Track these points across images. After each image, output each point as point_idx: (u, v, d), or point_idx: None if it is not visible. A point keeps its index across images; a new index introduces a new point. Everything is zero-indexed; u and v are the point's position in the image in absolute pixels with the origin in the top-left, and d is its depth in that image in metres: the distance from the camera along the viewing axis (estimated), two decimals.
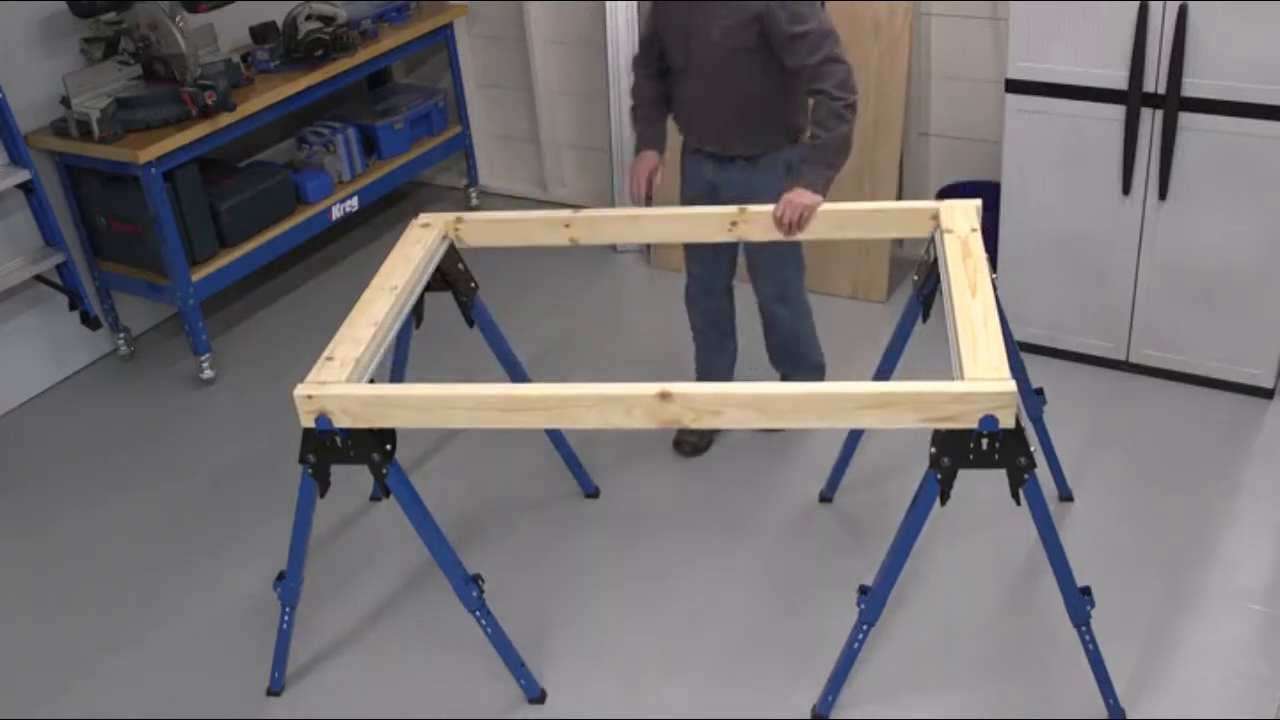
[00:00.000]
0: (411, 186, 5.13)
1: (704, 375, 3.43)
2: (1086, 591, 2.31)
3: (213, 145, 3.78)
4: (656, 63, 3.07)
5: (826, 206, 2.72)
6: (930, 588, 2.81)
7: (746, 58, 2.83)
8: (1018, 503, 2.17)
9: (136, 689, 2.75)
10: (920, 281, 2.65)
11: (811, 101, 2.82)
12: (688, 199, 3.12)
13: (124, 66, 3.80)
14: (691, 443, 3.36)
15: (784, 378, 3.41)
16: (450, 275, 2.79)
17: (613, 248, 4.46)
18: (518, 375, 2.99)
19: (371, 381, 2.36)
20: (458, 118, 4.88)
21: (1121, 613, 2.68)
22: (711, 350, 3.38)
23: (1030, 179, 3.38)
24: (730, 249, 3.17)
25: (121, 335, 4.09)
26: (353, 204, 4.37)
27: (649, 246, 4.37)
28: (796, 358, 3.33)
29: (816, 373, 3.39)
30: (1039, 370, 3.14)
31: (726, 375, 3.43)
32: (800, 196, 2.71)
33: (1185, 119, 3.08)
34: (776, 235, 2.75)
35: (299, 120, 4.46)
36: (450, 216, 2.82)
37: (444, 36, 4.71)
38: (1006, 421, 2.06)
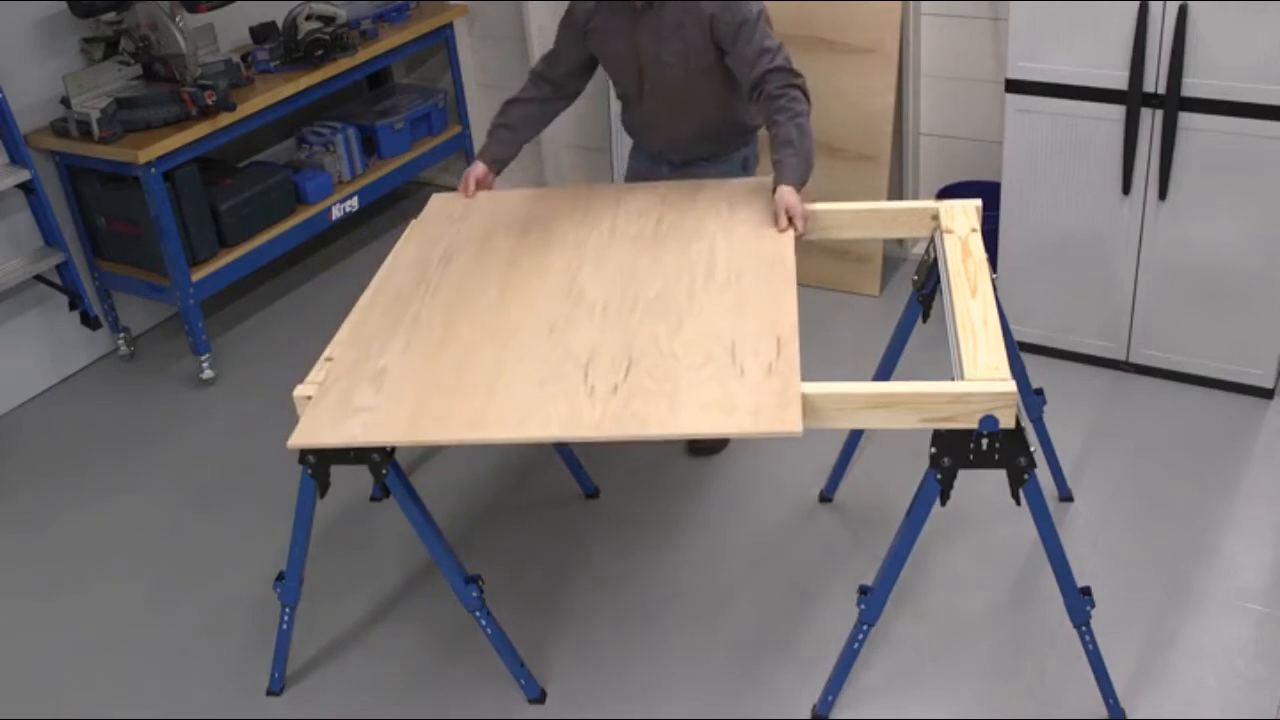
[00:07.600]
0: (411, 186, 5.12)
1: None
2: (1086, 591, 2.31)
3: (213, 145, 3.78)
4: (560, 83, 2.99)
5: (826, 206, 2.70)
6: (930, 588, 2.81)
7: (705, 76, 2.83)
8: (1018, 503, 2.17)
9: (137, 689, 2.75)
10: (920, 281, 2.65)
11: (760, 98, 2.72)
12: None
13: (124, 66, 3.80)
14: (706, 445, 3.36)
15: None
16: None
17: None
18: None
19: None
20: (458, 118, 4.88)
21: (1121, 613, 2.68)
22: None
23: (1030, 179, 3.38)
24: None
25: (121, 335, 4.09)
26: (353, 204, 4.37)
27: None
28: None
29: None
30: (1039, 370, 3.14)
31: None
32: (790, 197, 2.60)
33: (1185, 119, 3.08)
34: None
35: (299, 120, 4.46)
36: None
37: (444, 36, 4.71)
38: (1006, 421, 2.05)
